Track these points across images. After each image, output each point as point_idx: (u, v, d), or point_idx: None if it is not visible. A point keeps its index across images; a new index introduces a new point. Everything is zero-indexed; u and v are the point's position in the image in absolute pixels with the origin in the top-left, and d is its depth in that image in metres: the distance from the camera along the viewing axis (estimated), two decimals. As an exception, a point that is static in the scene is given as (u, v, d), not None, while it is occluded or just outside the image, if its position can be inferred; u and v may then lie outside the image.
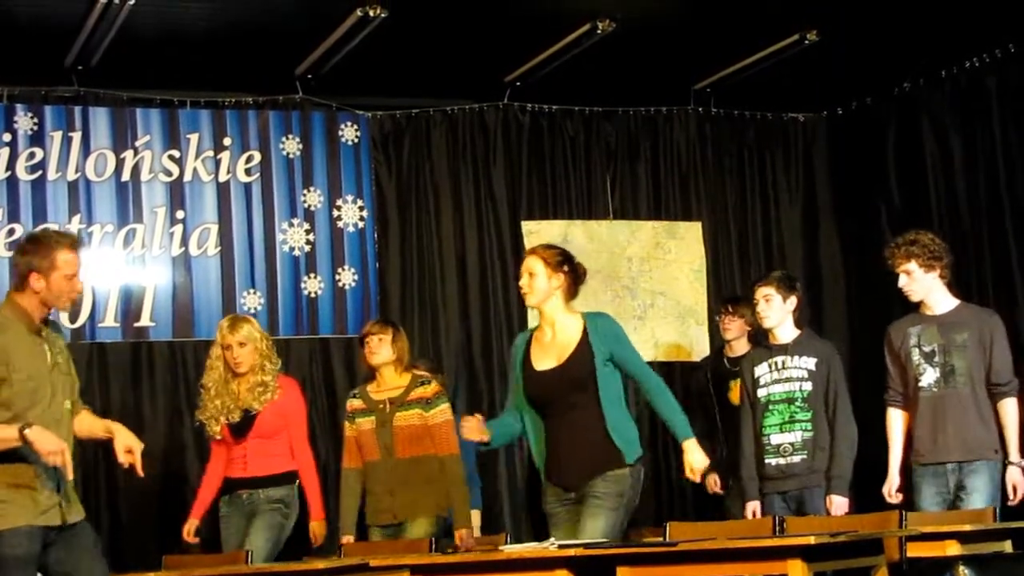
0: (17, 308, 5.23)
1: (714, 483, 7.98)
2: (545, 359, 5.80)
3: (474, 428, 5.78)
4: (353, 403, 6.98)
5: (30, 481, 5.10)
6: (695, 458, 5.66)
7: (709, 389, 8.01)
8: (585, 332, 5.75)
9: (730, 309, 7.90)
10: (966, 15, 7.83)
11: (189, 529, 7.02)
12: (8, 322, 5.18)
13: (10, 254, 7.79)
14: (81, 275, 5.36)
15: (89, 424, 5.48)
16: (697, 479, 5.75)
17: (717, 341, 8.58)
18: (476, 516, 7.85)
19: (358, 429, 6.90)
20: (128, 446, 5.30)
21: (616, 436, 5.68)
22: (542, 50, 8.21)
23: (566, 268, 5.83)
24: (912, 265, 6.47)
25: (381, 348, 6.90)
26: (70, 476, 5.14)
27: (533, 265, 5.83)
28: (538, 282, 5.79)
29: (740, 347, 7.78)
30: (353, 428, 6.93)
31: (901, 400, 6.59)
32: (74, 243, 5.35)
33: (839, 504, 6.42)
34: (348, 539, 6.74)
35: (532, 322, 8.76)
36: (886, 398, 6.65)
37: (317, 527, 6.96)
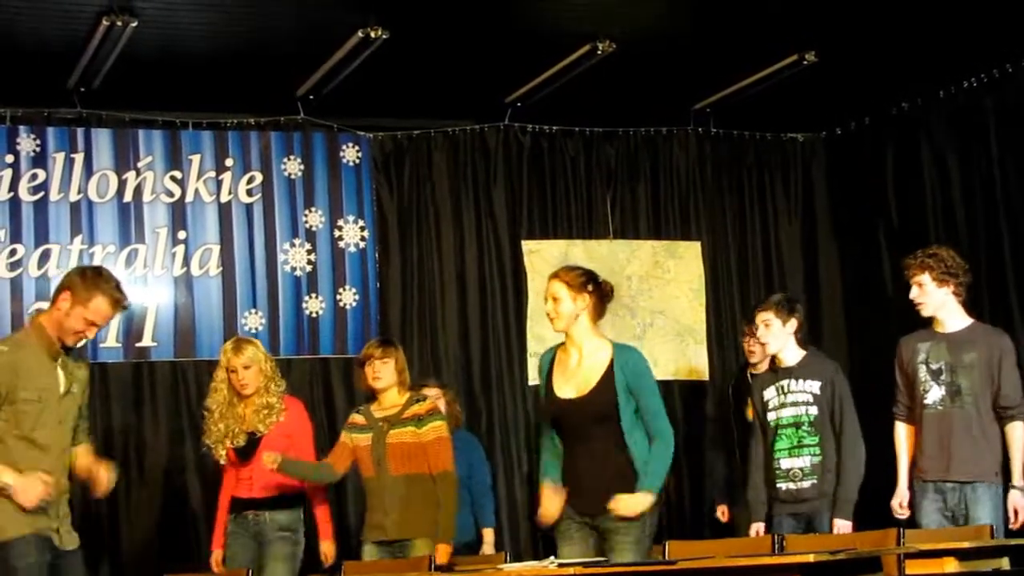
0: (39, 330, 5.25)
1: (723, 514, 7.97)
2: (567, 386, 5.72)
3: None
4: (355, 418, 6.94)
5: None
6: (632, 500, 5.53)
7: (731, 405, 7.99)
8: (611, 365, 5.66)
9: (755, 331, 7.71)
10: (964, 36, 7.85)
11: (217, 560, 7.03)
12: (27, 342, 5.18)
13: (13, 274, 7.91)
14: (99, 328, 5.38)
15: (85, 464, 5.48)
16: (613, 508, 5.55)
17: (730, 361, 8.60)
18: (489, 534, 7.83)
19: (354, 443, 6.88)
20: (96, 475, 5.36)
21: (636, 468, 5.63)
22: (543, 71, 8.23)
23: (590, 288, 5.71)
24: (925, 277, 6.45)
25: (384, 371, 6.82)
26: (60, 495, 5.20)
27: (556, 290, 5.70)
28: (563, 306, 5.68)
29: (764, 365, 7.64)
30: (349, 438, 6.90)
31: (907, 414, 6.59)
32: (118, 302, 5.36)
33: (843, 527, 6.41)
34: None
35: (532, 342, 8.81)
36: (894, 411, 6.64)
37: (327, 547, 6.98)
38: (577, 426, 5.67)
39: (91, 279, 5.29)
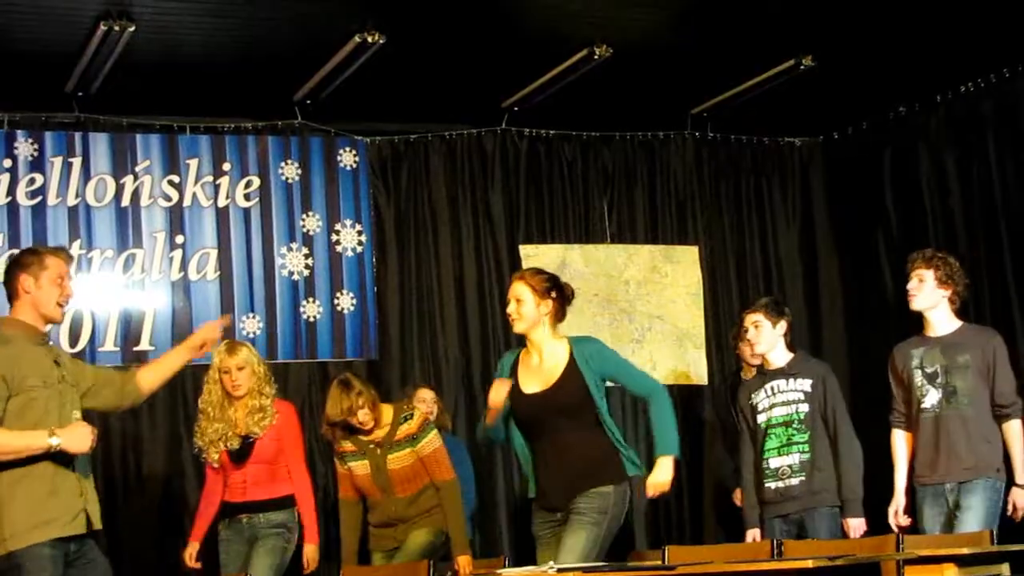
0: (15, 322, 5.25)
1: (738, 496, 7.86)
2: (532, 383, 5.80)
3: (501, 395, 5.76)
4: (344, 445, 6.86)
5: (58, 487, 5.10)
6: (659, 475, 5.65)
7: (729, 408, 7.98)
8: (572, 358, 5.74)
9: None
10: (961, 40, 7.86)
11: (191, 553, 7.02)
12: (11, 335, 5.19)
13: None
14: (72, 284, 5.37)
15: (162, 367, 5.74)
16: (651, 494, 5.68)
17: (730, 364, 8.58)
18: None
19: (352, 472, 6.84)
20: (202, 340, 5.70)
21: (602, 456, 5.69)
22: (540, 75, 8.24)
23: (554, 294, 5.79)
24: (928, 273, 6.46)
25: (366, 417, 6.71)
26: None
27: (520, 292, 5.78)
28: (526, 309, 5.76)
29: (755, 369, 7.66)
30: (344, 468, 6.87)
31: (905, 421, 6.59)
32: (62, 251, 5.42)
33: (855, 526, 6.40)
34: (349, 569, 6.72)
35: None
36: (891, 419, 6.65)
37: (311, 551, 6.92)
38: (544, 420, 5.74)
39: (29, 253, 5.34)
